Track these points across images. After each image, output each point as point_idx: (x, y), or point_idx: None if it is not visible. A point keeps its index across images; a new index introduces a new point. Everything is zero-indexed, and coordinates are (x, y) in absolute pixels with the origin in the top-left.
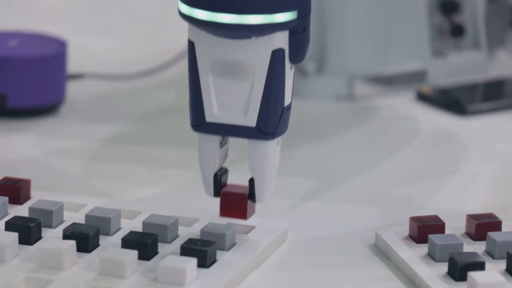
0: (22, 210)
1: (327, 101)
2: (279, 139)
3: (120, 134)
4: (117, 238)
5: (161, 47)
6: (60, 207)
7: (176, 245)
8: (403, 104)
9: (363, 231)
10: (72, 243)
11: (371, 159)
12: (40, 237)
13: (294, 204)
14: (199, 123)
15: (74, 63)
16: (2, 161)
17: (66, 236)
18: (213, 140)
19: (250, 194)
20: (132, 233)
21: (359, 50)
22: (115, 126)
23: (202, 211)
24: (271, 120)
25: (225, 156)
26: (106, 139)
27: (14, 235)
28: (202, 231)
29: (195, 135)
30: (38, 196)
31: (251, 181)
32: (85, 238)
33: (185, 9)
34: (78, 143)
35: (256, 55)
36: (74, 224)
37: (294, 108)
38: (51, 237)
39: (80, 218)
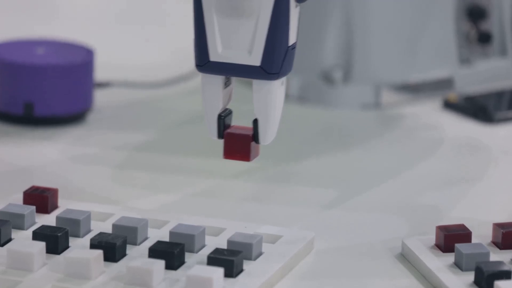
0: (49, 219)
1: (353, 109)
2: (283, 80)
3: (147, 142)
4: (144, 247)
5: (188, 55)
6: (87, 217)
7: (203, 254)
8: (430, 112)
9: (389, 240)
10: (99, 252)
11: (397, 167)
12: (67, 247)
13: (321, 213)
14: (203, 62)
15: (101, 71)
16: (30, 169)
17: (93, 245)
18: (217, 80)
19: (254, 135)
20: (159, 242)
21: (386, 58)
22: (142, 134)
23: (229, 221)
24: (275, 60)
25: (229, 97)
26: (134, 147)
27: (42, 244)
28: (229, 241)
29: (217, 141)
30: (65, 205)
31: (255, 122)
32: (112, 248)
33: None
34: (105, 151)
35: None
36: (101, 233)
37: (320, 116)
38: (79, 247)
39: (107, 228)
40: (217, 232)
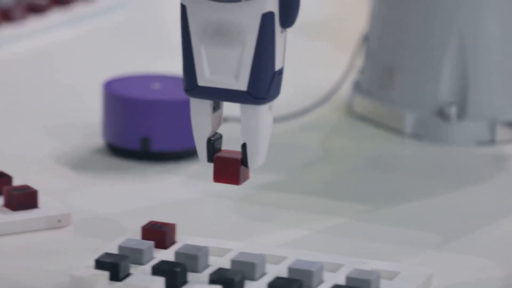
0: (167, 255)
1: (468, 145)
2: (271, 104)
3: (267, 178)
4: (263, 283)
5: (305, 90)
6: (205, 252)
7: None
8: None
9: (506, 277)
10: None
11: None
12: (185, 282)
13: (437, 249)
14: (192, 87)
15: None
16: (147, 205)
17: (212, 281)
18: (205, 104)
19: (243, 159)
20: (277, 279)
21: (501, 94)
22: (262, 169)
23: (347, 257)
24: (261, 85)
25: (219, 122)
26: (253, 183)
27: (161, 280)
28: (348, 277)
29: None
30: (183, 240)
31: (244, 146)
32: (230, 284)
33: None
34: (222, 187)
35: (246, 18)
36: (220, 269)
37: (435, 152)
38: (197, 282)
39: (225, 263)
40: (335, 268)
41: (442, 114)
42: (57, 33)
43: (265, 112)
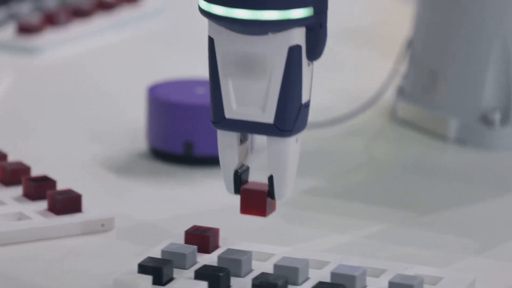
0: (211, 259)
1: (511, 151)
2: (298, 136)
3: (313, 183)
4: None
5: (349, 95)
6: (249, 256)
7: None
8: None
9: None
10: None
11: None
12: (229, 286)
13: (479, 255)
14: (219, 120)
15: None
16: (190, 209)
17: (255, 285)
18: (232, 137)
19: (269, 191)
20: (320, 283)
21: None
22: (307, 176)
23: (390, 262)
24: (288, 117)
25: (246, 153)
26: (296, 188)
27: (204, 284)
28: (391, 282)
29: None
30: (226, 245)
31: (270, 178)
32: None
33: (204, 5)
34: None
35: (273, 51)
36: (263, 273)
37: (478, 158)
38: (240, 287)
39: (268, 268)
40: (378, 273)
41: (485, 119)
42: (101, 37)
43: (292, 145)
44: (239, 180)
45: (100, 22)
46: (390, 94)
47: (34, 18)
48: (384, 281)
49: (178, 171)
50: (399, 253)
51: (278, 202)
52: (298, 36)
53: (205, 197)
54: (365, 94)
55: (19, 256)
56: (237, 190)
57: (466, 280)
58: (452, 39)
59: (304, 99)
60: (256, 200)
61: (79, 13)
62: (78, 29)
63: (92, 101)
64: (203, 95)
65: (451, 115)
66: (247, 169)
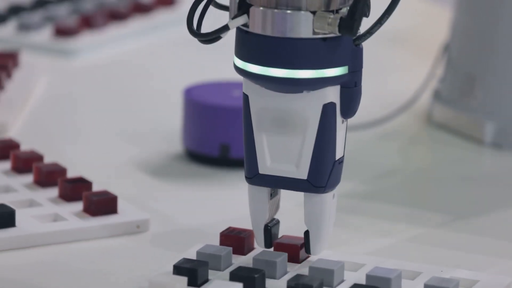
0: (246, 261)
1: None
2: (335, 192)
3: (348, 186)
4: None
5: (386, 98)
6: (284, 259)
7: None
8: None
9: None
10: None
11: None
12: None
13: None
14: (253, 175)
15: None
16: (225, 211)
17: (290, 287)
18: (263, 191)
19: (305, 246)
20: (356, 286)
21: None
22: (342, 179)
23: (426, 264)
24: (322, 174)
25: (277, 207)
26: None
27: (239, 286)
28: (426, 285)
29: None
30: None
31: (307, 233)
32: None
33: (240, 63)
34: (300, 196)
35: (308, 108)
36: (297, 275)
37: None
38: None
39: (304, 270)
40: (414, 276)
41: None
42: (138, 40)
43: (328, 200)
44: (270, 234)
45: (136, 25)
46: (426, 98)
47: (71, 21)
48: (419, 283)
49: (213, 174)
50: (435, 256)
51: None
52: (332, 94)
53: (240, 199)
54: (401, 97)
55: (54, 258)
56: (267, 244)
57: (502, 283)
58: (489, 43)
59: (337, 156)
60: (290, 254)
61: (116, 16)
62: (114, 31)
63: (128, 103)
64: (240, 97)
65: (488, 119)
66: (277, 222)
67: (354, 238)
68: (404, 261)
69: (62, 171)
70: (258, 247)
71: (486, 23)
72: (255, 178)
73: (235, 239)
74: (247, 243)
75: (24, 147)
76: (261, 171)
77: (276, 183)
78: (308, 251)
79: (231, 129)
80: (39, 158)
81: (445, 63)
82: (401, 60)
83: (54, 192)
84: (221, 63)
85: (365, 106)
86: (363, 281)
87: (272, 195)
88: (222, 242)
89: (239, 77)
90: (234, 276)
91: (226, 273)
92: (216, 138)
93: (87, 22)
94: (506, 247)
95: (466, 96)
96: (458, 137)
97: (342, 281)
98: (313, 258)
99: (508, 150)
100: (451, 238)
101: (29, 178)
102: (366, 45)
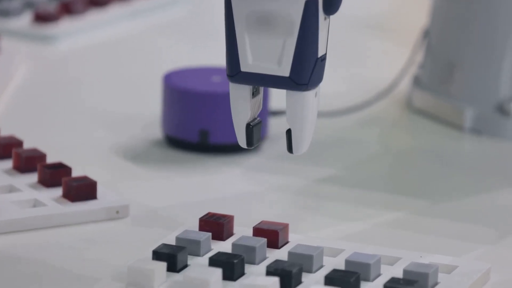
0: (225, 246)
1: None
2: (317, 91)
3: (326, 172)
4: (320, 275)
5: (365, 84)
6: (263, 244)
7: (379, 284)
8: None
9: None
10: (275, 280)
11: None
12: (243, 273)
13: (495, 245)
14: (234, 73)
15: (275, 99)
16: (205, 197)
17: (270, 272)
18: (245, 90)
19: (287, 145)
20: (334, 271)
21: None
22: (319, 164)
23: (404, 250)
24: (304, 71)
25: (258, 107)
26: (311, 176)
27: (218, 271)
28: (405, 270)
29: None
30: (241, 232)
31: (289, 132)
32: (288, 276)
33: None
34: (279, 180)
35: (290, 5)
36: (277, 261)
37: (494, 148)
38: (255, 274)
39: (283, 256)
40: (393, 261)
41: (502, 109)
42: (117, 26)
43: (311, 99)
44: (252, 133)
45: (116, 11)
46: (406, 84)
47: (51, 7)
48: (398, 269)
49: (193, 159)
50: (414, 241)
51: (293, 191)
52: None
53: (220, 185)
54: (381, 83)
55: (33, 243)
56: (249, 143)
57: (481, 269)
58: (469, 29)
59: (320, 53)
60: (268, 239)
61: (96, 2)
62: (94, 18)
63: (108, 89)
64: (219, 83)
65: (467, 105)
66: (259, 122)
67: (333, 223)
68: (383, 246)
69: (41, 156)
70: (237, 232)
71: (465, 9)
72: (237, 76)
73: (214, 225)
74: (226, 229)
75: (4, 132)
76: (243, 68)
77: (258, 81)
78: (290, 150)
79: (211, 115)
80: (19, 143)
81: (424, 49)
82: (381, 46)
83: (33, 177)
84: (201, 49)
85: (345, 92)
86: (342, 267)
87: (254, 93)
88: (202, 228)
89: (218, 63)
90: (213, 261)
91: (205, 258)
92: (196, 123)
93: (67, 8)
94: (486, 233)
95: (445, 82)
96: (437, 123)
97: (321, 266)
98: (292, 243)
99: (487, 136)
100: (430, 224)
101: (8, 163)
102: (345, 31)
